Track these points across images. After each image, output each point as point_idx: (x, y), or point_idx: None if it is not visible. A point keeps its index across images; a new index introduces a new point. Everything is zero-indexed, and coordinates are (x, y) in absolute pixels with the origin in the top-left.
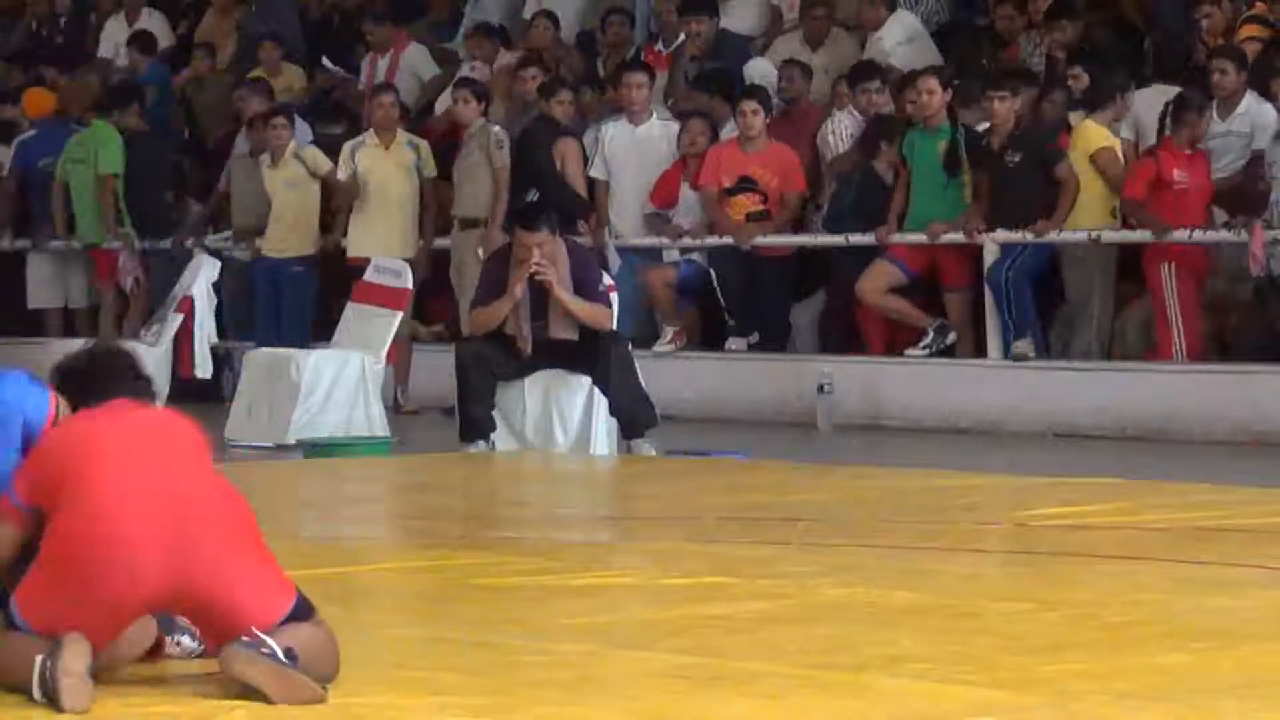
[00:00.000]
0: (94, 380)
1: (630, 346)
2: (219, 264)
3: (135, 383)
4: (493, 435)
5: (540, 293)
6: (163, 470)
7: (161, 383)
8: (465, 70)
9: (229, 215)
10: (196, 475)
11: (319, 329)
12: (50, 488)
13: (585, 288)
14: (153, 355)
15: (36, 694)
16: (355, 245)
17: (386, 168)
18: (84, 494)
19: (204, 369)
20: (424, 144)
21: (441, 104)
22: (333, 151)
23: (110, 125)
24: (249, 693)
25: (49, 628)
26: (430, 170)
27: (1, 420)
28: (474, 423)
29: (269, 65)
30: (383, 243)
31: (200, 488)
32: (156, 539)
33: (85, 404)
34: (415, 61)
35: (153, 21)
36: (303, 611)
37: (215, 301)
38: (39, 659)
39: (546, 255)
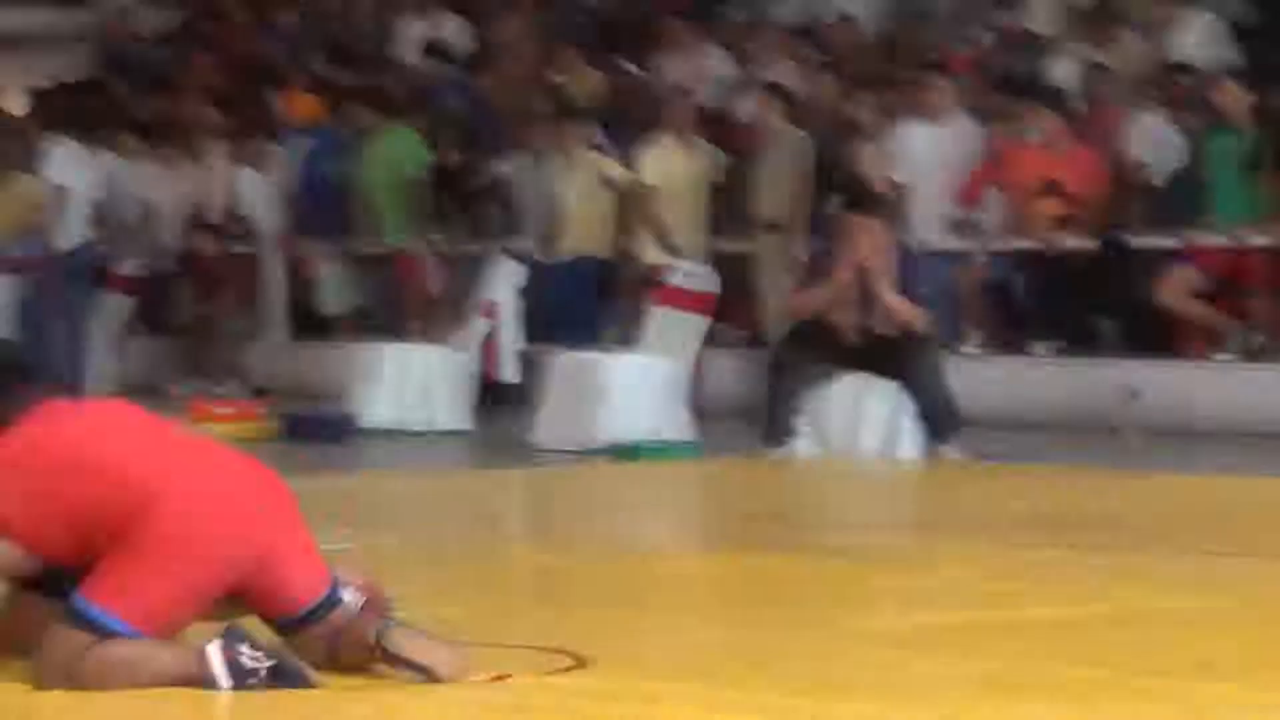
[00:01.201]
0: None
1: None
2: (522, 267)
3: (45, 378)
4: (795, 439)
5: (864, 283)
6: (205, 449)
7: (468, 387)
8: (765, 72)
9: (530, 219)
10: (233, 450)
11: (611, 332)
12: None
13: (904, 286)
14: (458, 359)
15: (225, 683)
16: (648, 249)
17: (682, 171)
18: (145, 483)
19: (510, 373)
20: (718, 153)
21: (741, 106)
22: (628, 155)
23: (411, 129)
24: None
25: (155, 624)
26: (719, 177)
27: None
28: (779, 426)
29: (567, 68)
30: (674, 246)
31: (248, 461)
32: (241, 513)
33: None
34: (713, 63)
35: (451, 25)
36: (337, 599)
37: (520, 305)
38: (215, 646)
39: (876, 245)
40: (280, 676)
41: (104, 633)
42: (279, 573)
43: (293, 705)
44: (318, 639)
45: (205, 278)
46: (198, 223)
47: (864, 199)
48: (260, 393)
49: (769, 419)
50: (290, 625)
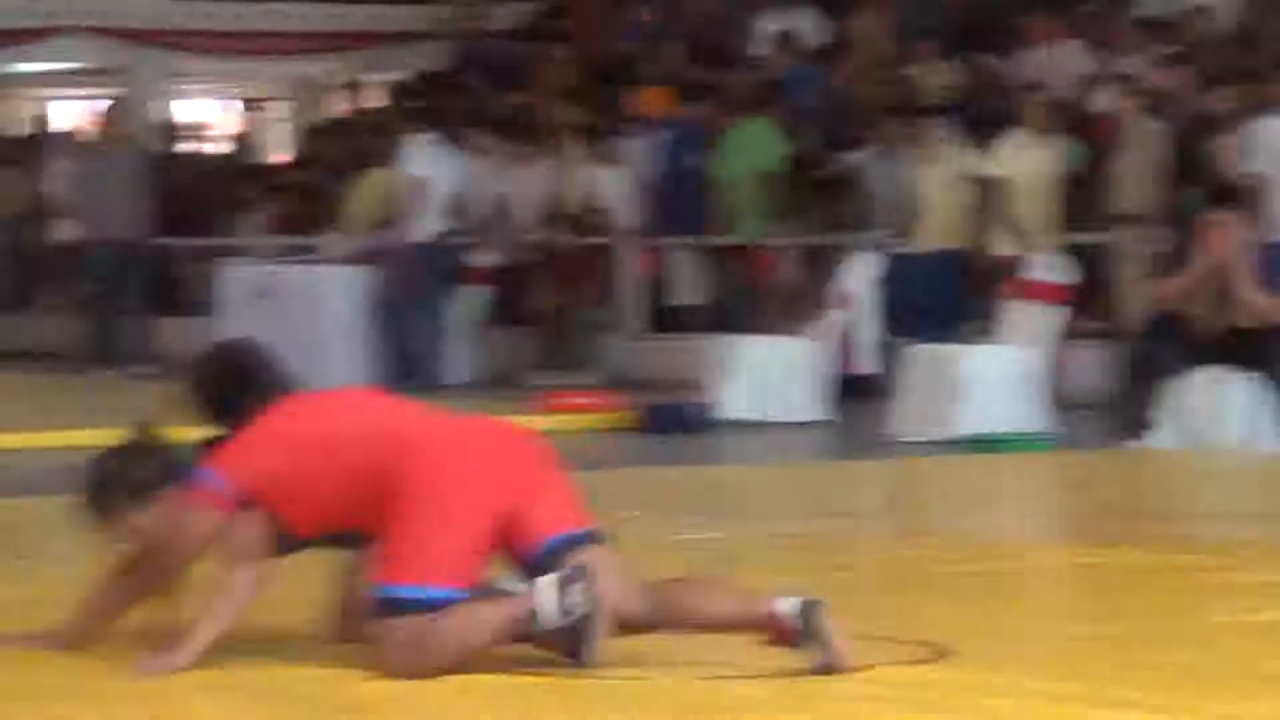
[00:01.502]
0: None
1: None
2: (879, 260)
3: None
4: (1151, 431)
5: (1221, 278)
6: (445, 413)
7: (825, 379)
8: (1122, 64)
9: (884, 211)
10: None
11: (969, 325)
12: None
13: (1263, 280)
14: (815, 351)
15: (551, 613)
16: (1002, 242)
17: (1036, 166)
18: (396, 439)
19: (867, 364)
20: (1070, 147)
21: (1098, 99)
22: (984, 149)
23: (766, 122)
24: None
25: (464, 573)
26: (1075, 168)
27: None
28: (1137, 419)
29: (923, 62)
30: (1030, 239)
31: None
32: (489, 456)
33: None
34: (1071, 56)
35: (805, 19)
36: (603, 538)
37: (877, 297)
38: (550, 579)
39: (1233, 240)
40: (582, 630)
41: (413, 606)
42: (532, 515)
43: (665, 691)
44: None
45: (561, 271)
46: (553, 216)
47: (1222, 194)
48: (614, 385)
49: (1126, 410)
50: (537, 565)
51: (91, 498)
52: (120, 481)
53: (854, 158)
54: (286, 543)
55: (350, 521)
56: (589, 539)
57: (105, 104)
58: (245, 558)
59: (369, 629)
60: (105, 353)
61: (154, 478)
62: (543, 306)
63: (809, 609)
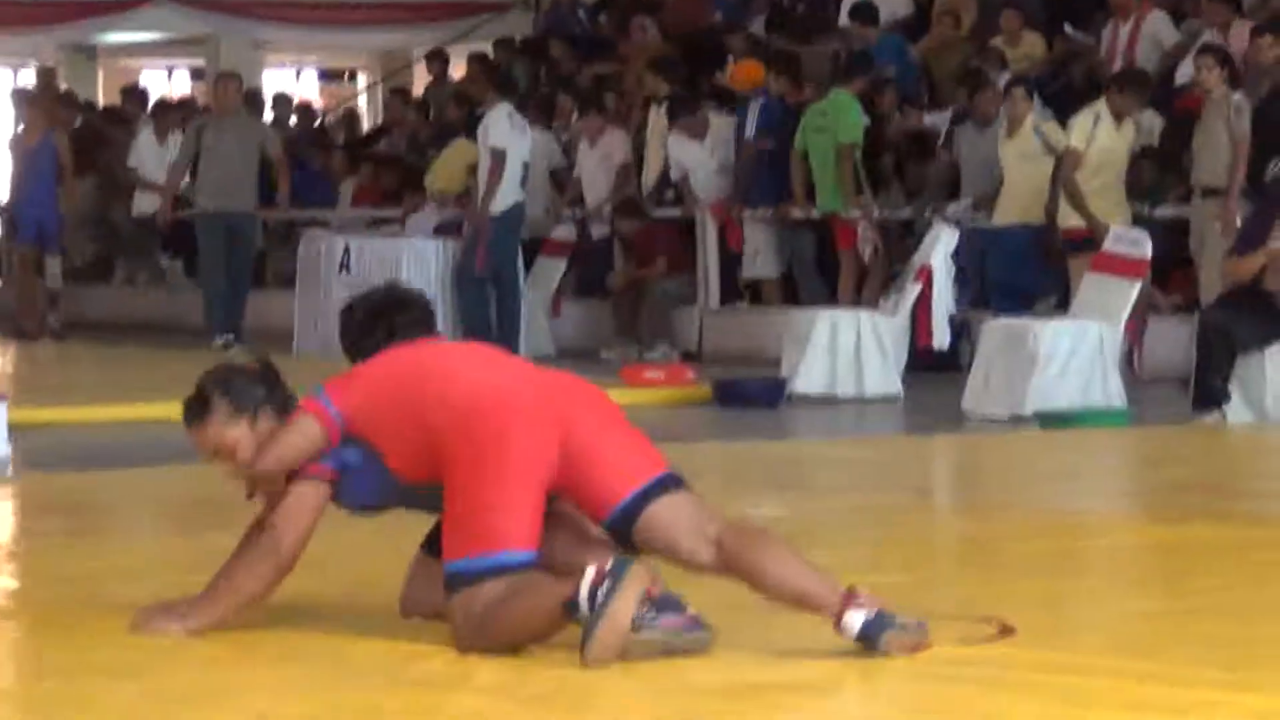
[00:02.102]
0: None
1: None
2: (957, 233)
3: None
4: (1226, 406)
5: None
6: (522, 364)
7: (899, 353)
8: (1208, 36)
9: (970, 184)
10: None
11: (1043, 299)
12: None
13: None
14: (891, 325)
15: (584, 607)
16: (1066, 214)
17: (1115, 146)
18: (469, 395)
19: (942, 339)
20: (1146, 125)
21: (1182, 70)
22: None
23: (850, 94)
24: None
25: (526, 533)
26: (1153, 141)
27: None
28: (1210, 392)
29: (1009, 33)
30: (1103, 215)
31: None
32: (536, 405)
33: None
34: (1158, 28)
35: None
36: (675, 481)
37: (954, 271)
38: (590, 575)
39: None
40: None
41: (480, 576)
42: (591, 467)
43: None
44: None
45: (639, 243)
46: (633, 189)
47: None
48: (691, 358)
49: (1198, 385)
50: (615, 526)
51: (194, 400)
52: (225, 390)
53: (940, 118)
54: (388, 491)
55: (431, 472)
56: (661, 487)
57: (215, 74)
58: (295, 526)
59: (442, 603)
60: (219, 325)
61: (258, 397)
62: (620, 279)
63: (871, 628)
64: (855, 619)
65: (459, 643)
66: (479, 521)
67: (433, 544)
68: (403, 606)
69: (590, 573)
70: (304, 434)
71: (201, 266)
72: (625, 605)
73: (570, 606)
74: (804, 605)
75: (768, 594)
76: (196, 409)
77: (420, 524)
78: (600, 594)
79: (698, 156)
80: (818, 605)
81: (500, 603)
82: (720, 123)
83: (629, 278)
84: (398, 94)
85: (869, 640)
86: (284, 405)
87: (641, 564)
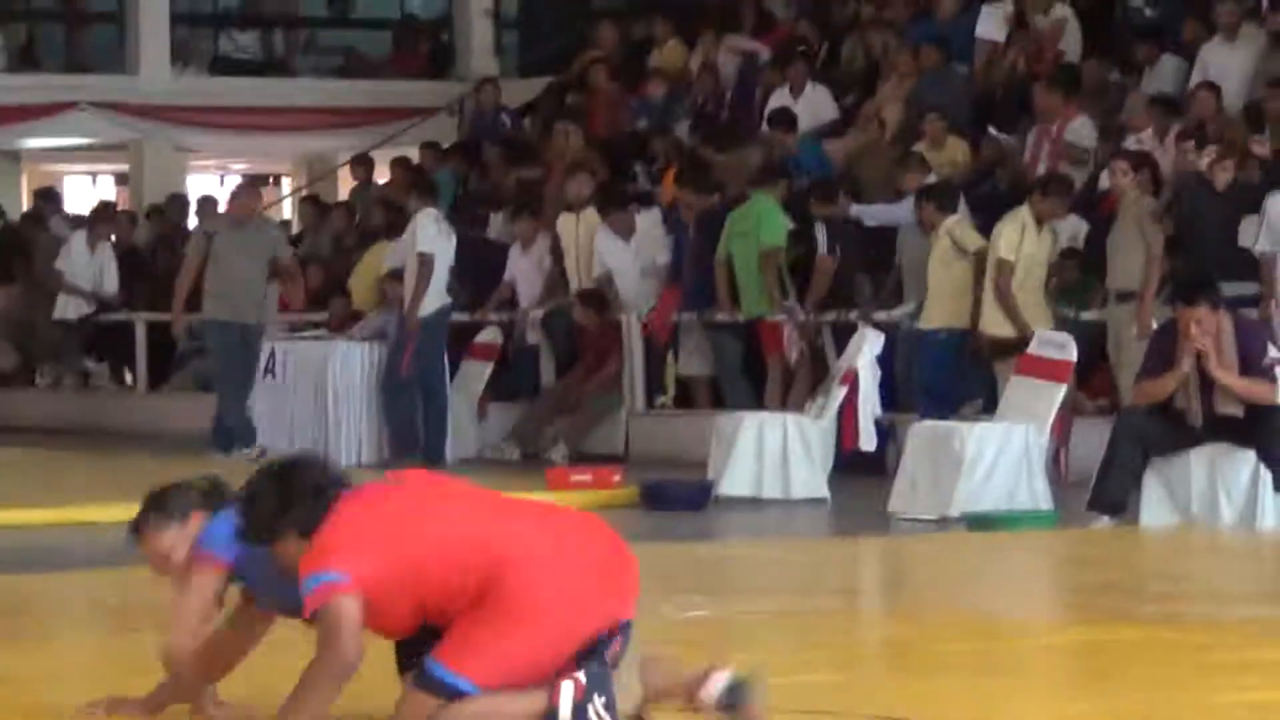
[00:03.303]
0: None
1: None
2: (883, 337)
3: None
4: (1124, 513)
5: (1203, 369)
6: (549, 514)
7: (825, 456)
8: (1130, 142)
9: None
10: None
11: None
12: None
13: (1248, 363)
14: (817, 428)
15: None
16: (1000, 321)
17: (1036, 253)
18: (493, 548)
19: (868, 442)
20: (1064, 226)
21: (1103, 176)
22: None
23: (770, 197)
24: None
25: (502, 686)
26: (1054, 255)
27: None
28: (1105, 497)
29: (933, 138)
30: (1030, 319)
31: (592, 524)
32: (588, 588)
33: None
34: (1081, 133)
35: (816, 95)
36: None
37: (879, 374)
38: (570, 684)
39: (1206, 331)
40: None
41: (453, 694)
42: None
43: None
44: None
45: (568, 346)
46: (561, 292)
47: (1196, 285)
48: (615, 461)
49: (1097, 486)
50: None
51: (143, 509)
52: (165, 501)
53: (885, 212)
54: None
55: (418, 617)
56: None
57: (235, 181)
58: (351, 641)
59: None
60: (240, 434)
61: (185, 505)
62: (545, 382)
63: (736, 690)
64: (720, 678)
65: None
66: (492, 656)
67: (407, 660)
68: None
69: (570, 686)
70: (352, 615)
71: (220, 375)
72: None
73: (549, 718)
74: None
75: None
76: (141, 520)
77: None
78: (591, 713)
79: (623, 258)
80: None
81: (453, 713)
82: (646, 224)
83: (557, 381)
84: (308, 201)
85: (735, 696)
86: (209, 502)
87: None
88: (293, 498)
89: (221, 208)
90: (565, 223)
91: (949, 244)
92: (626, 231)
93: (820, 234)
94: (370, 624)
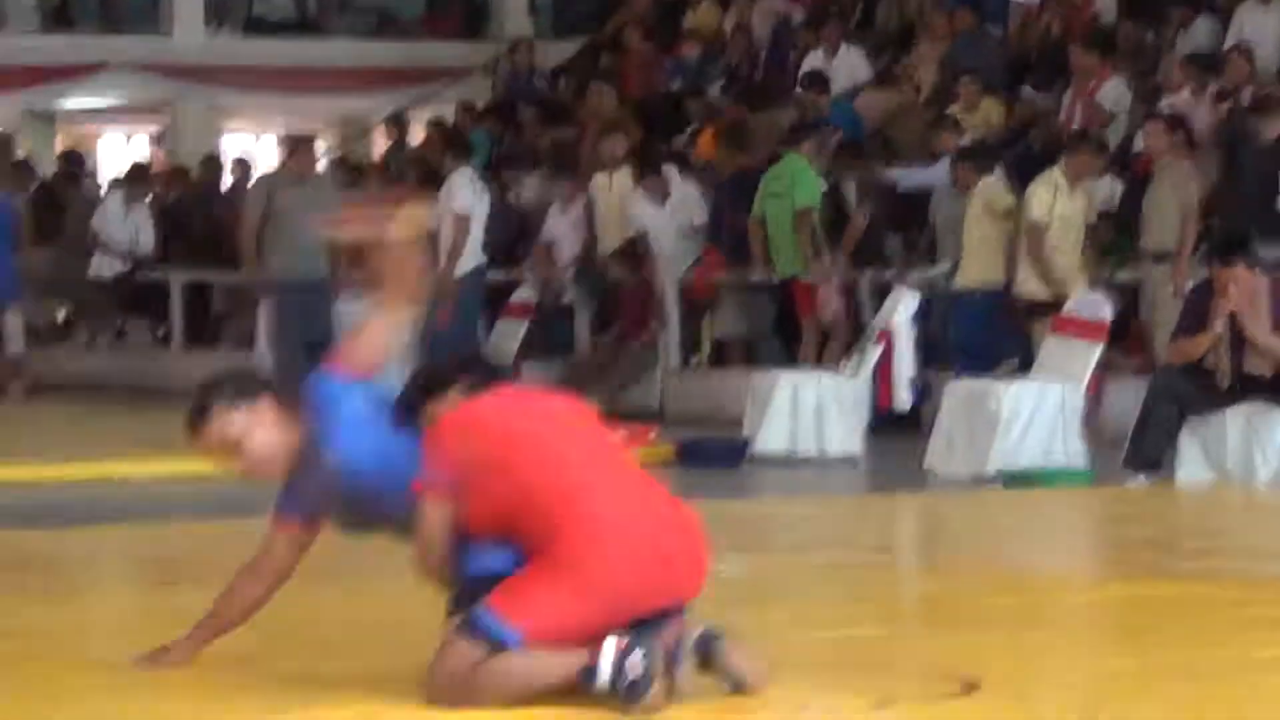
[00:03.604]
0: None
1: None
2: (919, 296)
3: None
4: (1161, 471)
5: (1237, 328)
6: (638, 481)
7: (861, 414)
8: (1164, 103)
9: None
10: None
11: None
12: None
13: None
14: (852, 386)
15: (604, 678)
16: (1035, 280)
17: (1070, 214)
18: (573, 496)
19: (902, 401)
20: (1099, 187)
21: (1138, 136)
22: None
23: (803, 157)
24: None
25: (547, 641)
26: (1092, 218)
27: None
28: (1141, 455)
29: (967, 99)
30: (1066, 279)
31: (670, 501)
32: (656, 566)
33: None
34: (1115, 94)
35: (850, 56)
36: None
37: (915, 333)
38: (612, 643)
39: (1242, 290)
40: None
41: (496, 645)
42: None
43: None
44: None
45: (603, 305)
46: (594, 251)
47: (1232, 243)
48: (653, 418)
49: (1132, 445)
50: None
51: (197, 398)
52: (222, 387)
53: (920, 175)
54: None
55: (505, 533)
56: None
57: (284, 138)
58: (274, 574)
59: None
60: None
61: (253, 388)
62: (582, 341)
63: (704, 642)
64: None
65: (433, 686)
66: (546, 611)
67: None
68: None
69: (612, 645)
70: (437, 518)
71: (276, 336)
72: (659, 690)
73: (587, 676)
74: None
75: None
76: (198, 409)
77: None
78: (630, 668)
79: (657, 220)
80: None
81: (490, 664)
82: (682, 186)
83: (592, 340)
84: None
85: (705, 649)
86: (272, 388)
87: (660, 640)
88: (469, 368)
89: (260, 167)
90: (598, 183)
91: (982, 204)
92: (661, 195)
93: (849, 192)
94: (465, 515)
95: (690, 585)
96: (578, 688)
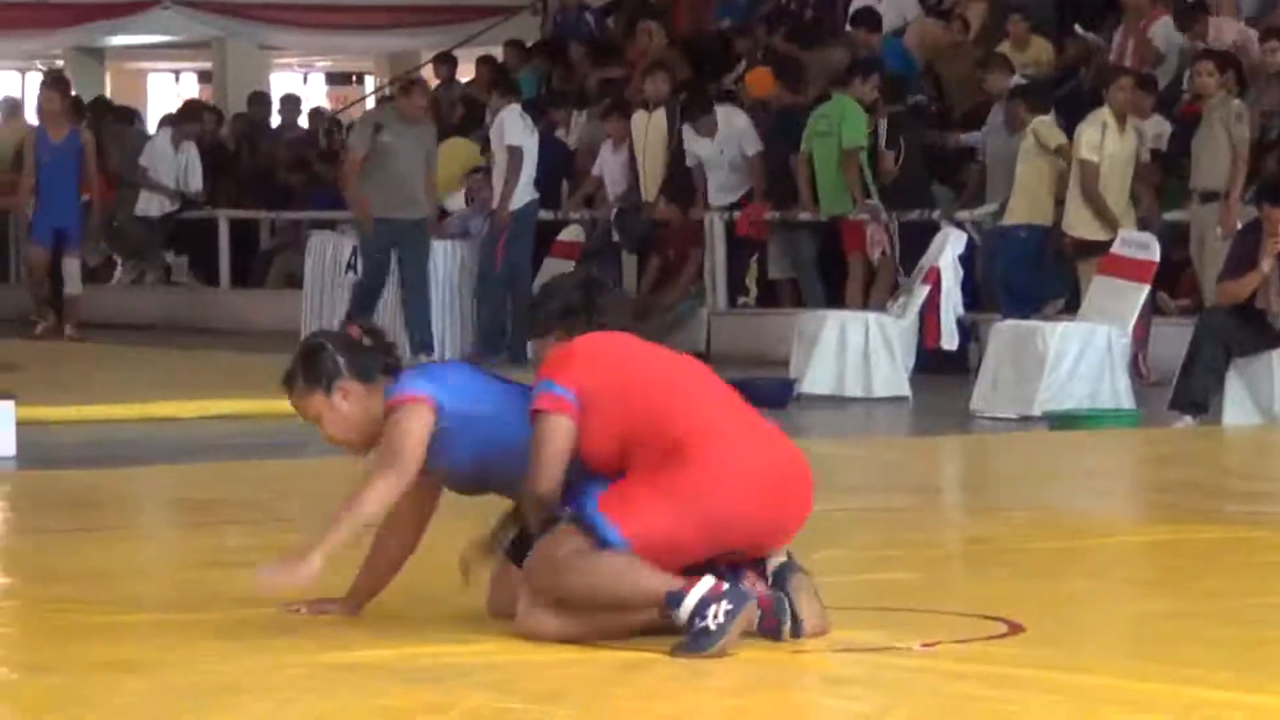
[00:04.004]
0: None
1: None
2: (965, 236)
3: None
4: (1206, 413)
5: None
6: (754, 421)
7: (907, 354)
8: (1215, 40)
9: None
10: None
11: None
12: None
13: None
14: (899, 326)
15: (684, 614)
16: (1085, 221)
17: (1119, 152)
18: (699, 424)
19: (950, 341)
20: (1147, 131)
21: (1188, 76)
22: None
23: (852, 98)
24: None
25: (648, 553)
26: (1145, 156)
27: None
28: (1187, 396)
29: (1016, 38)
30: (1116, 219)
31: (785, 443)
32: (769, 502)
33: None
34: (1164, 32)
35: None
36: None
37: (961, 274)
38: (707, 585)
39: None
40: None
41: (601, 541)
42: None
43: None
44: None
45: (647, 243)
46: (637, 190)
47: (1277, 187)
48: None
49: (1179, 386)
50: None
51: (294, 370)
52: (304, 364)
53: (971, 136)
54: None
55: (614, 461)
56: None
57: (401, 79)
58: (407, 441)
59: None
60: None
61: (332, 370)
62: (627, 281)
63: (781, 571)
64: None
65: (535, 572)
66: (656, 529)
67: (516, 554)
68: (490, 608)
69: (708, 584)
70: (559, 432)
71: (364, 273)
72: (732, 639)
73: (672, 600)
74: None
75: None
76: (287, 379)
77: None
78: (711, 615)
79: (708, 153)
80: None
81: (586, 557)
82: (735, 121)
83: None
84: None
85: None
86: (366, 372)
87: (748, 603)
88: (577, 306)
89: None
90: (637, 121)
91: (1034, 141)
92: (710, 130)
93: (881, 130)
94: (580, 442)
95: (795, 529)
96: (656, 610)
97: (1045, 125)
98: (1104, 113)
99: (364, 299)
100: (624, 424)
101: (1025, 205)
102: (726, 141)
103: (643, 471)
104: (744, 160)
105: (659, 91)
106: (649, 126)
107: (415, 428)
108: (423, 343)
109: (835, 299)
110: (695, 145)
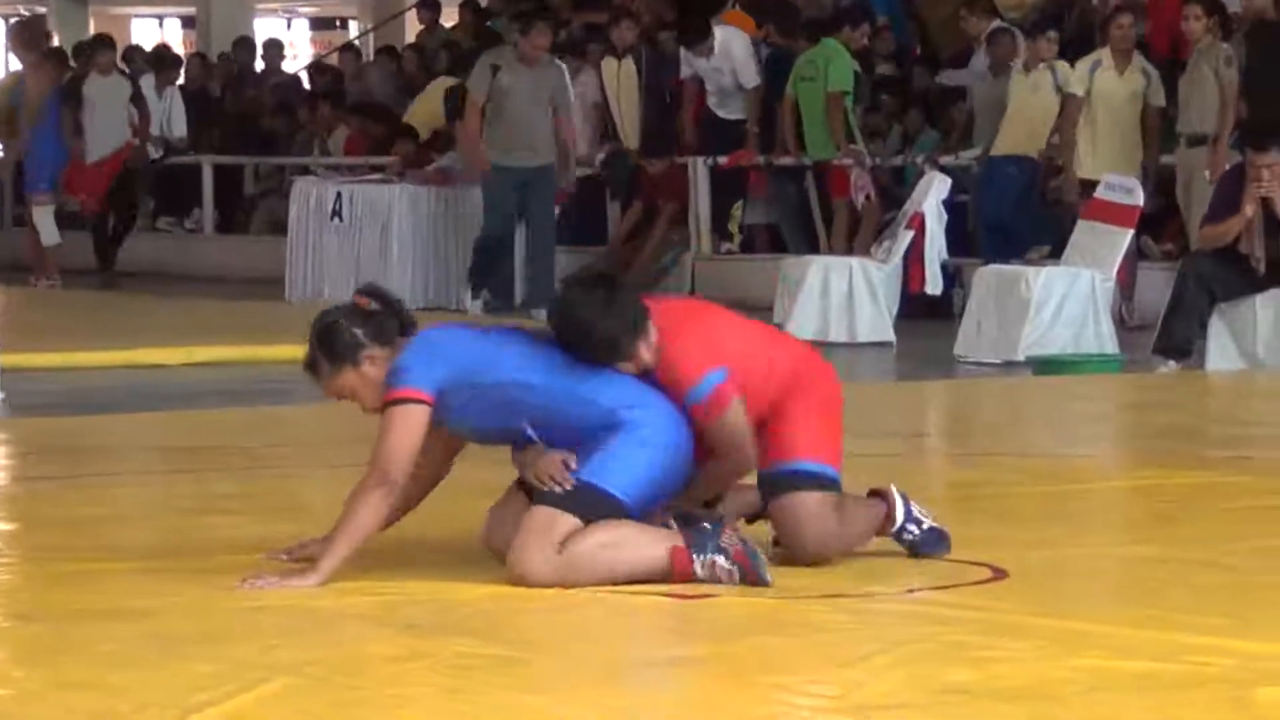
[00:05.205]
0: None
1: None
2: (950, 181)
3: None
4: (1191, 358)
5: (1269, 211)
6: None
7: (891, 299)
8: None
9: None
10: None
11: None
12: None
13: None
14: (883, 272)
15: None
16: (1082, 164)
17: (1119, 91)
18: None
19: (934, 286)
20: (1156, 74)
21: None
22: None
23: (839, 43)
24: None
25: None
26: (1159, 100)
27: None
28: (1171, 341)
29: None
30: (1108, 163)
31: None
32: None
33: None
34: None
35: None
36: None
37: (946, 218)
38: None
39: (1276, 176)
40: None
41: (831, 481)
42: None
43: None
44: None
45: (631, 188)
46: (616, 137)
47: (1262, 132)
48: None
49: (1162, 331)
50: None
51: (314, 354)
52: (322, 348)
53: (959, 74)
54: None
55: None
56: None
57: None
58: (397, 448)
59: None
60: (482, 283)
61: (356, 343)
62: (611, 227)
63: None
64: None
65: (536, 575)
66: (819, 441)
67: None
68: (485, 541)
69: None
70: (739, 417)
71: (485, 226)
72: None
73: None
74: None
75: None
76: (310, 368)
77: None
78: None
79: (706, 68)
80: None
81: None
82: (731, 49)
83: (622, 227)
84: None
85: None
86: (386, 335)
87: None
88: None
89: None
90: (608, 68)
91: (1050, 77)
92: (705, 55)
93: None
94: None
95: None
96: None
97: (1067, 68)
98: (1102, 52)
99: (487, 256)
100: (752, 375)
101: (1015, 136)
102: (722, 61)
103: (796, 404)
104: (738, 91)
105: (624, 39)
106: (620, 74)
107: (405, 438)
108: (539, 300)
109: (812, 244)
110: (694, 63)
